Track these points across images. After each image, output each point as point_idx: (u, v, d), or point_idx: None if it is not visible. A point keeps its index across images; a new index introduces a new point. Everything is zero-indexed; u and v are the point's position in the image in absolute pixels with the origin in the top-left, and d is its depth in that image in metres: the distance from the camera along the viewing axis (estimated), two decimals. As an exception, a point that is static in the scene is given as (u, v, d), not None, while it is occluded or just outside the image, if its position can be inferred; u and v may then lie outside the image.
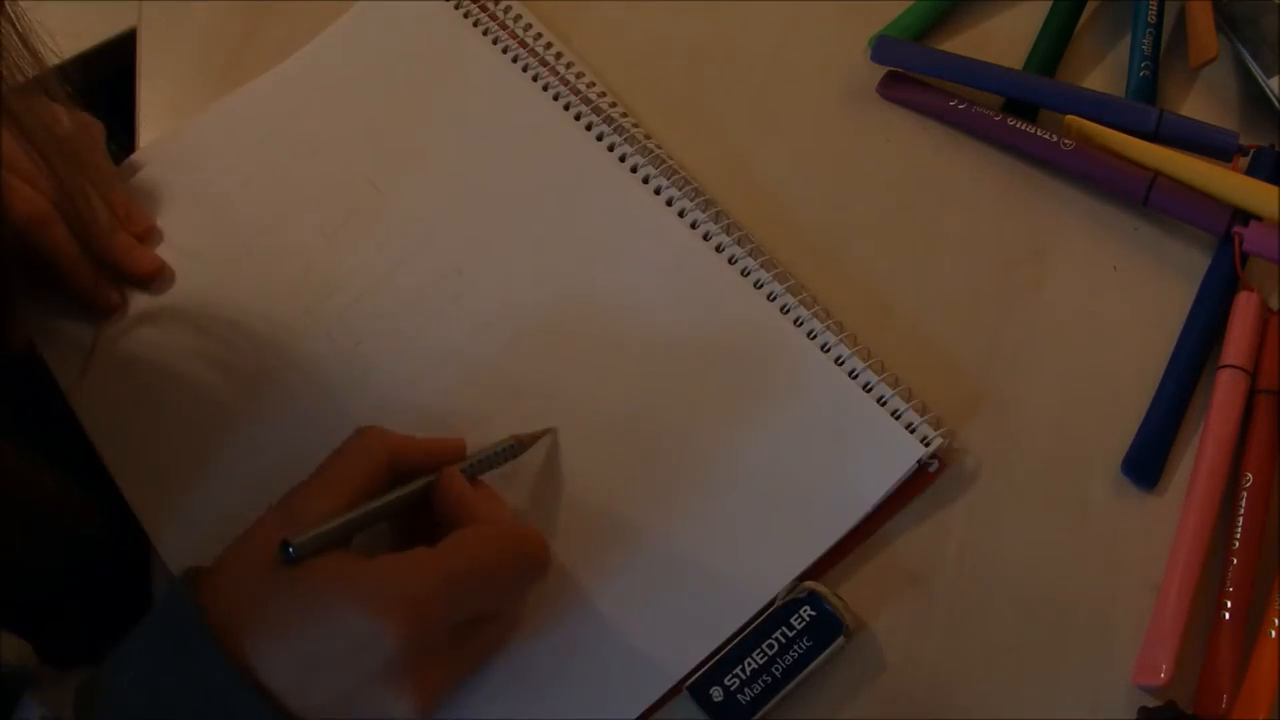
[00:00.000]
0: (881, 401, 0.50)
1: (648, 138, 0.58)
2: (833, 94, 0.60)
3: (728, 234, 0.55)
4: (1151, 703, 0.45)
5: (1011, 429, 0.51)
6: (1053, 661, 0.47)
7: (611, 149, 0.58)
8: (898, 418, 0.50)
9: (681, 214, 0.55)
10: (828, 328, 0.52)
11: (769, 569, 0.48)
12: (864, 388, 0.51)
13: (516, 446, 0.49)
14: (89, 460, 0.53)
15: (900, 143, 0.59)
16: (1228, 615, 0.46)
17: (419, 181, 0.58)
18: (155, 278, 0.57)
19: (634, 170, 0.57)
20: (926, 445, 0.49)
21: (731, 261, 0.54)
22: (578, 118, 0.59)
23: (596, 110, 0.59)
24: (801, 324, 0.52)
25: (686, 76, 0.61)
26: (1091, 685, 0.46)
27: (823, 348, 0.52)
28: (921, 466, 0.49)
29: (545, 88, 0.60)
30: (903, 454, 0.49)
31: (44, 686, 0.42)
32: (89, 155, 0.58)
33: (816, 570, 0.48)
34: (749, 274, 0.54)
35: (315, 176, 0.59)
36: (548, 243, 0.56)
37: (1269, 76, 0.57)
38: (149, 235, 0.59)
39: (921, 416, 0.50)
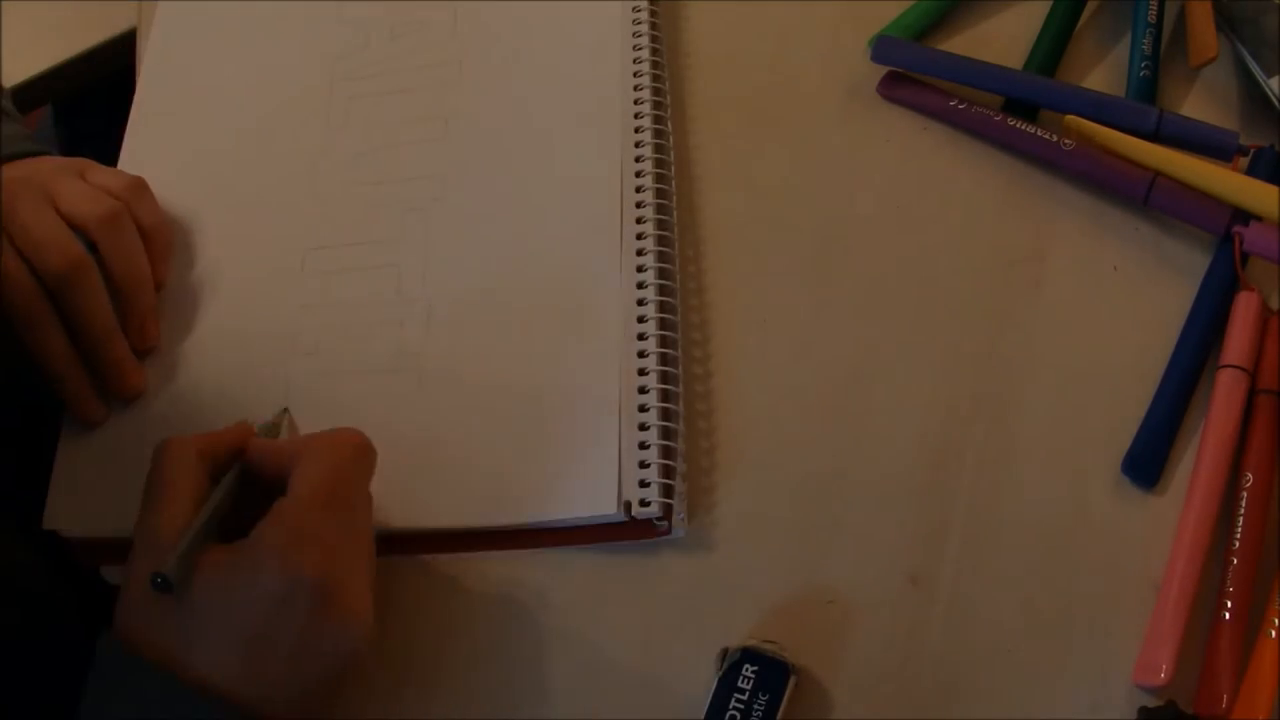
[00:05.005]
0: (643, 446, 0.50)
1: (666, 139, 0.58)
2: (833, 94, 0.60)
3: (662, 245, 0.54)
4: (1151, 703, 0.45)
5: (1011, 429, 0.51)
6: (1053, 661, 0.47)
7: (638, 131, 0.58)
8: (645, 467, 0.49)
9: (639, 203, 0.56)
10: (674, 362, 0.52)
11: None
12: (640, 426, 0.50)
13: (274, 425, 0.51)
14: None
15: (900, 143, 0.59)
16: (1228, 615, 0.46)
17: (484, 36, 0.63)
18: (133, 399, 0.54)
19: (637, 160, 0.57)
20: (644, 505, 0.48)
21: (640, 254, 0.54)
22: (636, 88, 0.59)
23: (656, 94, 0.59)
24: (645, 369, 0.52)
25: (686, 76, 0.61)
26: (1091, 685, 0.46)
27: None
28: (647, 520, 0.49)
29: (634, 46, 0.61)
30: (600, 501, 0.49)
31: None
32: (121, 246, 0.54)
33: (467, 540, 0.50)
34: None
35: None
36: (508, 160, 0.59)
37: (1269, 76, 0.57)
38: (147, 352, 0.55)
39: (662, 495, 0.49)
